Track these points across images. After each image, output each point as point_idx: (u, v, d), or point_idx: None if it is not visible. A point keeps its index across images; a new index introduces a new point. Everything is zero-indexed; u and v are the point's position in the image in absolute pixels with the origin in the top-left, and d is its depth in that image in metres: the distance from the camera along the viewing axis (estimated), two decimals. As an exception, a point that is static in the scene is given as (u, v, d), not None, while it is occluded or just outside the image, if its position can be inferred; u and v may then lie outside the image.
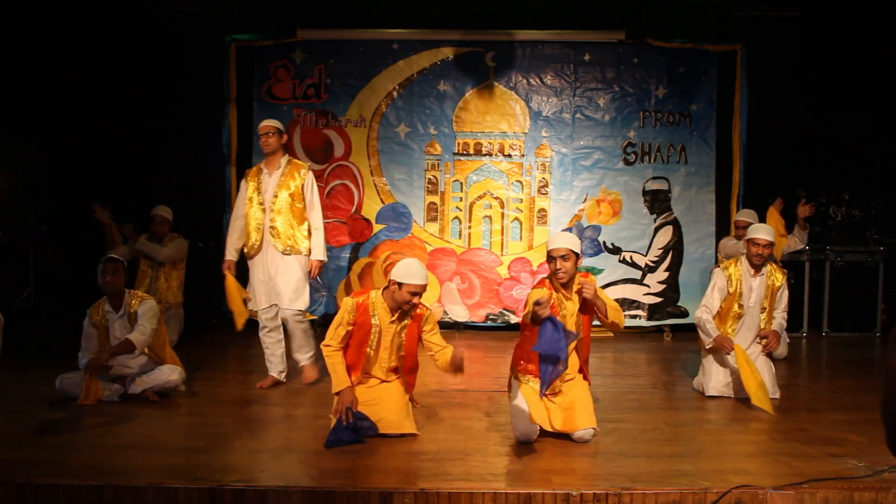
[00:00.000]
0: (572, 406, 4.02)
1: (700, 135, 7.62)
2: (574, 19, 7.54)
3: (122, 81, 7.75)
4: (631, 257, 7.62)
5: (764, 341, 4.99)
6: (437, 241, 7.62)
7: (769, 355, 5.10)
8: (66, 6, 7.45)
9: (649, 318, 7.59)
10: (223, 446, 3.91)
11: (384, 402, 4.07)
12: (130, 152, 7.88)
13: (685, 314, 7.58)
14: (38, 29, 7.57)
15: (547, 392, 4.00)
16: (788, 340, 6.40)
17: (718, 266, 5.28)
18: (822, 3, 7.47)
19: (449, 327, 7.50)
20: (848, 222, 8.26)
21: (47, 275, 8.24)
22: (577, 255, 3.99)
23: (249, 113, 7.47)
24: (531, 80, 7.63)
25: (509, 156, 7.64)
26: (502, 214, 7.65)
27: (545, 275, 4.21)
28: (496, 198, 7.65)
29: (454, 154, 7.65)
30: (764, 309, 5.01)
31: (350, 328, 4.04)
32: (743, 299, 4.99)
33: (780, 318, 5.09)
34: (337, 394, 4.01)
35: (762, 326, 5.01)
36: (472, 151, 7.65)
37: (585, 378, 4.19)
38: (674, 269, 7.62)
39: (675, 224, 7.63)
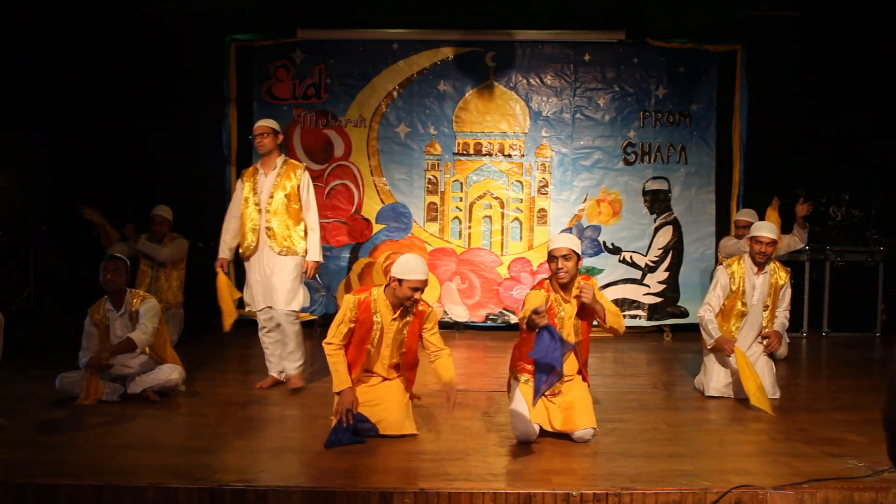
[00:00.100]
0: (572, 406, 4.03)
1: (700, 135, 7.62)
2: (574, 19, 7.53)
3: (123, 81, 7.75)
4: (631, 257, 7.62)
5: (765, 341, 4.99)
6: (437, 241, 7.62)
7: (770, 355, 5.10)
8: (66, 6, 7.44)
9: (649, 318, 7.59)
10: (223, 446, 3.91)
11: (385, 403, 4.07)
12: (130, 152, 7.88)
13: (685, 314, 7.58)
14: (38, 29, 7.57)
15: (546, 393, 4.02)
16: (788, 340, 6.40)
17: (721, 265, 5.28)
18: (822, 3, 7.47)
19: (449, 327, 7.50)
20: (848, 222, 8.25)
21: (47, 275, 8.24)
22: (578, 255, 4.00)
23: (249, 113, 7.47)
24: (531, 80, 7.63)
25: (509, 156, 7.64)
26: (502, 214, 7.64)
27: (545, 275, 4.21)
28: (496, 198, 7.65)
29: (454, 154, 7.65)
30: (767, 307, 5.01)
31: (352, 325, 4.01)
32: (746, 297, 4.99)
33: (782, 317, 5.09)
34: (338, 393, 4.01)
35: (764, 325, 5.01)
36: (472, 151, 7.65)
37: (585, 379, 4.20)
38: (674, 269, 7.62)
39: (675, 224, 7.62)
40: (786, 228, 6.71)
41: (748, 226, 6.13)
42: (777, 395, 4.98)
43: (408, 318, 4.06)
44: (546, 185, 7.63)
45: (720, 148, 7.61)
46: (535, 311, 3.63)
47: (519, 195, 7.64)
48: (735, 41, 7.46)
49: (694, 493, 3.27)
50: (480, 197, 7.66)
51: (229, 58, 7.50)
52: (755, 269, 5.01)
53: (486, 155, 7.65)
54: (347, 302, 4.03)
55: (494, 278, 7.61)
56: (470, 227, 7.65)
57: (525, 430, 3.91)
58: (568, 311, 4.05)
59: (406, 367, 4.16)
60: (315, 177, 7.55)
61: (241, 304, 5.45)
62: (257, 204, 5.07)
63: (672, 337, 7.45)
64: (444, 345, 4.14)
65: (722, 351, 4.90)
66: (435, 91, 7.62)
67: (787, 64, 7.68)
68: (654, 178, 7.61)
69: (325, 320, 7.44)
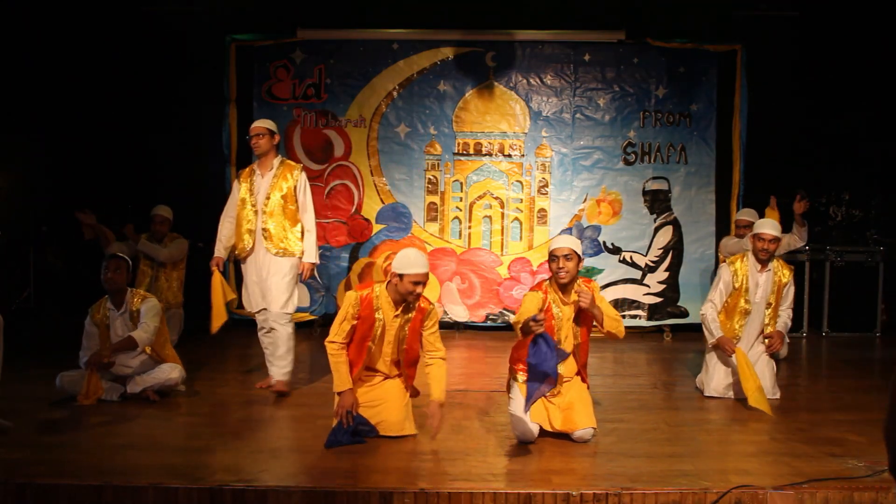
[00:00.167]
0: (571, 406, 4.03)
1: (700, 135, 7.62)
2: (574, 19, 7.53)
3: (123, 81, 7.75)
4: (631, 257, 7.62)
5: (767, 341, 4.99)
6: (437, 241, 7.62)
7: (772, 355, 5.09)
8: (66, 6, 7.45)
9: (649, 318, 7.59)
10: (223, 446, 3.90)
11: (385, 403, 4.06)
12: (130, 152, 7.88)
13: (685, 314, 7.58)
14: (38, 29, 7.57)
15: (546, 393, 4.02)
16: (788, 340, 6.39)
17: (724, 262, 5.27)
18: (822, 3, 7.47)
19: (449, 327, 7.50)
20: (848, 222, 8.25)
21: (47, 275, 8.24)
22: (579, 257, 4.00)
23: (249, 113, 7.47)
24: (531, 80, 7.63)
25: (509, 156, 7.64)
26: (502, 214, 7.65)
27: (545, 276, 4.21)
28: (496, 198, 7.65)
29: (454, 154, 7.65)
30: (770, 305, 5.00)
31: (355, 322, 3.98)
32: (749, 294, 4.98)
33: (784, 316, 5.08)
34: (339, 394, 4.00)
35: (766, 322, 5.01)
36: (472, 151, 7.66)
37: (584, 380, 4.19)
38: (674, 269, 7.62)
39: (675, 224, 7.62)
40: (785, 227, 6.70)
41: (749, 225, 6.13)
42: (777, 395, 4.98)
43: (409, 315, 4.03)
44: (546, 185, 7.63)
45: (720, 148, 7.61)
46: (534, 319, 3.64)
47: (519, 195, 7.64)
48: (735, 41, 7.46)
49: (694, 493, 3.27)
50: (480, 197, 7.66)
51: (229, 58, 7.50)
52: (758, 266, 5.00)
53: (486, 155, 7.65)
54: (349, 299, 4.00)
55: (494, 278, 7.61)
56: (470, 227, 7.65)
57: (525, 430, 3.91)
58: (566, 313, 4.04)
59: (406, 364, 4.14)
60: (315, 177, 7.57)
61: (239, 304, 5.44)
62: (253, 205, 5.02)
63: (672, 337, 7.45)
64: (442, 345, 4.13)
65: (723, 350, 4.90)
66: (435, 91, 7.62)
67: (787, 64, 7.68)
68: (654, 178, 7.61)
69: (325, 320, 7.46)
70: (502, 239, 7.64)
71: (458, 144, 7.65)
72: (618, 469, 3.56)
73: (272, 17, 7.55)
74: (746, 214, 6.51)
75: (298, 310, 7.34)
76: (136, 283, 6.28)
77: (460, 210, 7.66)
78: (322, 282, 7.55)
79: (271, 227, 4.97)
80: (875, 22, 7.52)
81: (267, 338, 5.14)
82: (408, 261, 3.89)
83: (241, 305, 5.41)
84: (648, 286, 7.61)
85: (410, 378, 4.20)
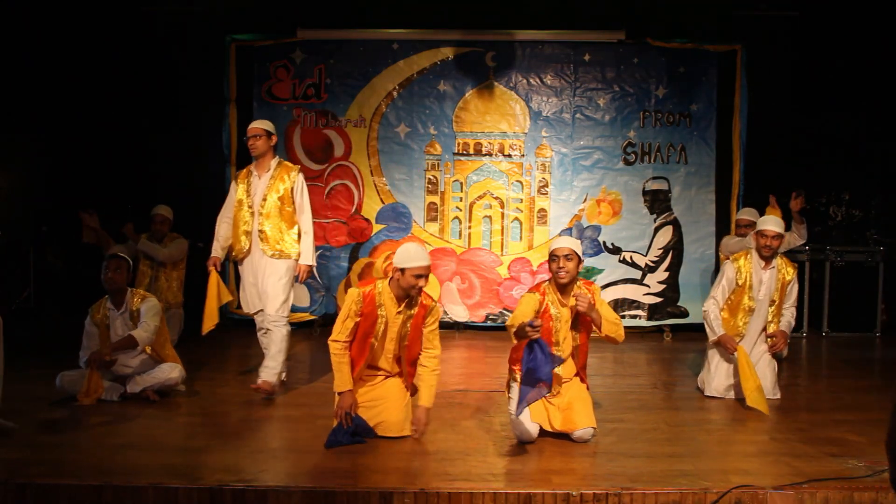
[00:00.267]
0: (571, 406, 4.03)
1: (700, 135, 7.62)
2: (574, 19, 7.53)
3: (123, 81, 7.75)
4: (631, 257, 7.62)
5: (770, 340, 4.99)
6: (437, 241, 7.62)
7: (774, 355, 5.09)
8: (66, 6, 7.45)
9: (649, 318, 7.59)
10: (223, 446, 3.90)
11: (385, 403, 4.05)
12: (130, 152, 7.88)
13: (685, 314, 7.58)
14: (38, 29, 7.57)
15: (538, 399, 4.02)
16: (788, 340, 6.39)
17: (728, 259, 5.27)
18: (822, 3, 7.47)
19: (449, 327, 7.50)
20: (848, 222, 8.25)
21: (47, 275, 8.24)
22: (579, 258, 4.00)
23: (249, 113, 7.47)
24: (531, 80, 7.63)
25: (509, 156, 7.64)
26: (502, 214, 7.65)
27: (545, 276, 4.21)
28: (496, 198, 7.65)
29: (454, 154, 7.65)
30: (773, 302, 5.00)
31: (357, 319, 3.96)
32: (753, 292, 4.97)
33: (788, 315, 5.08)
34: (339, 393, 4.00)
35: (770, 320, 5.01)
36: (472, 151, 7.66)
37: (583, 381, 4.19)
38: (674, 269, 7.62)
39: (675, 224, 7.62)
40: (785, 226, 6.70)
41: (750, 225, 6.14)
42: (778, 396, 4.98)
43: (412, 312, 4.01)
44: (546, 185, 7.63)
45: (720, 148, 7.61)
46: (531, 325, 3.64)
47: (519, 195, 7.64)
48: (735, 41, 7.46)
49: (694, 493, 3.27)
50: (480, 197, 7.66)
51: (229, 58, 7.50)
52: (762, 263, 5.00)
53: (486, 155, 7.65)
54: (352, 296, 3.97)
55: (494, 278, 7.61)
56: (470, 227, 7.65)
57: (525, 430, 3.91)
58: (564, 314, 4.04)
59: (408, 361, 4.11)
60: (315, 177, 7.58)
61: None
62: (250, 207, 4.98)
63: (672, 337, 7.45)
64: (439, 344, 4.12)
65: (724, 348, 4.90)
66: (435, 91, 7.62)
67: (787, 64, 7.68)
68: (654, 178, 7.61)
69: (325, 320, 7.47)
70: (502, 239, 7.64)
71: (458, 144, 7.65)
72: (618, 469, 3.56)
73: (272, 17, 7.56)
74: (747, 214, 6.51)
75: (298, 310, 7.45)
76: (136, 283, 6.27)
77: (460, 210, 7.66)
78: (322, 282, 7.55)
79: (267, 228, 4.93)
80: (875, 22, 7.52)
81: (265, 338, 5.14)
82: (408, 254, 3.88)
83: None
84: (648, 286, 7.61)
85: (411, 376, 4.18)
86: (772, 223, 4.99)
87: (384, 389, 4.11)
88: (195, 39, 7.58)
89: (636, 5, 7.49)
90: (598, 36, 7.58)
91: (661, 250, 7.62)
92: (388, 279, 4.00)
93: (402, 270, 3.86)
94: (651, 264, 7.62)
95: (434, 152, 7.64)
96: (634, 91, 7.60)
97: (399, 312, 3.99)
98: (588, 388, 4.19)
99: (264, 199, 4.95)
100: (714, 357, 5.07)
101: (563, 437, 3.99)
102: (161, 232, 6.52)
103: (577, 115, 7.62)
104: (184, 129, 7.71)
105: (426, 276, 3.90)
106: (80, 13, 7.48)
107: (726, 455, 3.89)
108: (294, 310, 7.35)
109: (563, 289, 4.04)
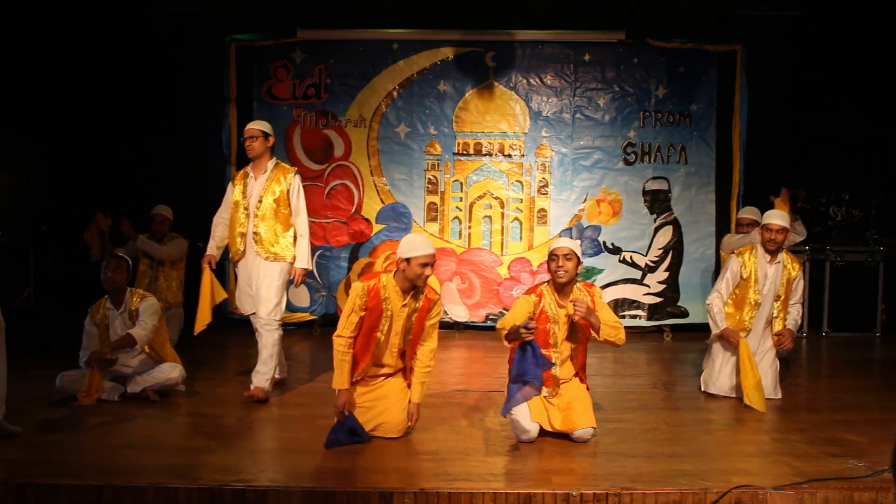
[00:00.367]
0: (571, 406, 4.02)
1: (700, 135, 7.61)
2: (574, 19, 7.53)
3: (123, 81, 7.75)
4: (631, 257, 7.62)
5: (777, 338, 4.98)
6: (437, 241, 7.61)
7: (777, 354, 5.09)
8: (66, 6, 7.44)
9: (649, 318, 7.59)
10: (223, 446, 3.90)
11: (385, 404, 4.04)
12: (130, 152, 7.89)
13: (685, 314, 7.58)
14: (38, 29, 7.57)
15: (545, 394, 4.03)
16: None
17: (733, 254, 5.26)
18: (822, 3, 7.47)
19: (449, 327, 7.50)
20: (848, 222, 8.25)
21: (47, 275, 8.24)
22: (579, 259, 4.00)
23: (249, 113, 7.46)
24: (531, 80, 7.63)
25: (509, 156, 7.64)
26: (502, 214, 7.64)
27: (545, 276, 4.21)
28: (496, 198, 7.65)
29: (454, 154, 7.65)
30: (778, 297, 4.99)
31: (362, 314, 3.92)
32: (758, 285, 4.96)
33: (794, 312, 5.08)
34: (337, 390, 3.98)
35: (775, 315, 5.00)
36: (472, 151, 7.65)
37: (583, 381, 4.19)
38: (674, 269, 7.62)
39: (675, 224, 7.62)
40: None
41: (752, 223, 6.14)
42: (779, 396, 4.98)
43: (417, 305, 3.98)
44: (546, 185, 7.63)
45: (720, 148, 7.60)
46: (525, 326, 3.64)
47: (519, 195, 7.64)
48: (735, 41, 7.45)
49: (694, 493, 3.27)
50: (480, 197, 7.66)
51: (229, 58, 7.49)
52: (768, 257, 4.99)
53: (486, 155, 7.65)
54: (356, 290, 3.93)
55: (494, 278, 7.61)
56: (470, 227, 7.65)
57: (525, 430, 3.92)
58: (562, 315, 4.04)
59: (412, 355, 4.10)
60: (315, 177, 7.58)
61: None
62: (246, 208, 4.92)
63: (672, 337, 7.45)
64: (436, 337, 4.10)
65: (727, 341, 4.90)
66: (435, 91, 7.62)
67: (787, 64, 7.68)
68: (654, 178, 7.61)
69: (325, 320, 7.46)
70: (502, 239, 7.64)
71: (458, 144, 7.65)
72: (618, 469, 3.56)
73: (272, 17, 7.55)
74: (749, 212, 6.50)
75: (298, 310, 7.45)
76: (136, 283, 6.28)
77: (460, 210, 7.66)
78: (322, 282, 7.55)
79: (262, 230, 4.88)
80: (875, 22, 7.52)
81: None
82: (413, 244, 3.87)
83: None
84: (648, 286, 7.61)
85: (411, 371, 4.14)
86: (777, 217, 4.98)
87: (385, 390, 4.10)
88: (195, 39, 7.58)
89: (636, 5, 7.49)
90: (598, 36, 7.57)
91: (661, 250, 7.62)
92: (393, 272, 3.98)
93: (408, 260, 3.84)
94: (651, 264, 7.62)
95: (434, 152, 7.64)
96: (634, 91, 7.60)
97: (404, 305, 3.96)
98: (588, 389, 4.19)
99: (260, 201, 4.89)
100: (719, 355, 5.06)
101: (563, 437, 3.99)
102: (161, 232, 6.52)
103: (577, 115, 7.61)
104: (184, 129, 7.71)
105: (432, 265, 3.88)
106: (81, 13, 7.48)
107: (726, 455, 3.89)
108: (294, 310, 7.41)
109: (562, 289, 4.04)
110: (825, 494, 3.30)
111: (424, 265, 3.83)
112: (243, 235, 4.95)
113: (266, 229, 4.88)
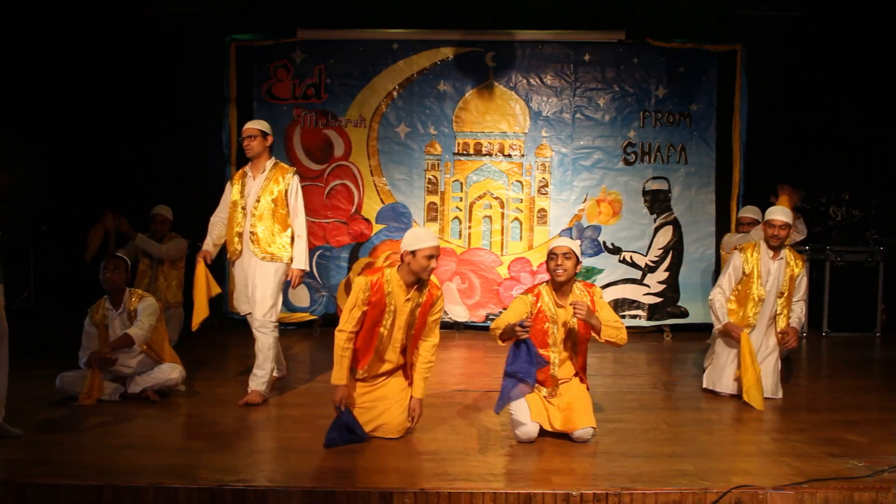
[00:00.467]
0: (571, 406, 4.02)
1: (700, 135, 7.62)
2: (574, 19, 7.53)
3: (123, 81, 7.75)
4: (631, 257, 7.62)
5: (782, 336, 4.98)
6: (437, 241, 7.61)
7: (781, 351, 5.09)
8: (66, 6, 7.44)
9: (649, 318, 7.59)
10: (223, 446, 3.90)
11: (386, 404, 4.04)
12: (130, 152, 7.88)
13: (685, 314, 7.58)
14: (38, 29, 7.57)
15: (545, 394, 4.03)
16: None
17: (736, 249, 5.25)
18: (822, 3, 7.47)
19: (449, 327, 7.50)
20: (848, 222, 8.25)
21: (47, 275, 8.24)
22: (578, 259, 4.00)
23: (249, 113, 7.46)
24: (531, 80, 7.63)
25: (509, 156, 7.64)
26: (502, 214, 7.64)
27: (545, 276, 4.21)
28: (496, 198, 7.65)
29: (454, 154, 7.65)
30: (781, 294, 4.98)
31: (365, 308, 3.90)
32: (762, 281, 4.96)
33: (798, 310, 5.08)
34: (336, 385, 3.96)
35: (778, 312, 5.00)
36: (472, 151, 7.65)
37: (583, 381, 4.19)
38: (674, 269, 7.62)
39: (675, 224, 7.62)
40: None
41: (752, 222, 6.14)
42: (779, 395, 4.98)
43: (421, 300, 3.98)
44: (546, 185, 7.63)
45: (720, 148, 7.60)
46: (521, 325, 3.64)
47: (519, 195, 7.64)
48: (735, 41, 7.45)
49: (694, 493, 3.27)
50: (480, 197, 7.66)
51: (229, 58, 7.49)
52: (771, 253, 4.99)
53: (486, 155, 7.65)
54: (359, 284, 3.91)
55: (494, 278, 7.61)
56: (470, 227, 7.65)
57: (525, 430, 3.92)
58: (561, 315, 4.04)
59: (413, 351, 4.08)
60: (315, 177, 7.58)
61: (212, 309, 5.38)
62: (243, 208, 4.89)
63: (672, 337, 7.44)
64: (438, 332, 4.10)
65: (729, 336, 4.90)
66: (435, 91, 7.62)
67: (787, 64, 7.68)
68: (654, 178, 7.61)
69: (325, 320, 7.46)
70: (502, 239, 7.64)
71: (458, 144, 7.65)
72: (618, 469, 3.56)
73: (272, 17, 7.55)
74: (750, 212, 6.50)
75: (298, 310, 7.45)
76: (136, 283, 6.28)
77: (460, 210, 7.66)
78: (322, 282, 7.55)
79: (259, 230, 4.83)
80: (875, 22, 7.52)
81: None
82: (417, 237, 3.88)
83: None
84: (648, 286, 7.61)
85: (412, 367, 4.12)
86: (779, 213, 4.98)
87: (385, 390, 4.09)
88: (195, 39, 7.58)
89: (636, 5, 7.49)
90: (598, 36, 7.57)
91: (661, 250, 7.62)
92: (397, 266, 3.97)
93: (414, 253, 3.84)
94: (651, 264, 7.62)
95: (434, 152, 7.64)
96: (634, 91, 7.60)
97: (408, 299, 3.95)
98: (588, 389, 4.19)
99: (258, 201, 4.86)
100: (723, 353, 5.05)
101: (563, 437, 3.99)
102: (161, 232, 6.52)
103: (577, 115, 7.61)
104: (184, 129, 7.72)
105: (437, 257, 3.89)
106: (81, 13, 7.48)
107: (726, 455, 3.89)
108: (294, 310, 7.42)
109: (561, 288, 4.04)
110: (825, 494, 3.30)
111: (430, 257, 3.84)
112: (241, 235, 4.92)
113: (263, 229, 4.85)
